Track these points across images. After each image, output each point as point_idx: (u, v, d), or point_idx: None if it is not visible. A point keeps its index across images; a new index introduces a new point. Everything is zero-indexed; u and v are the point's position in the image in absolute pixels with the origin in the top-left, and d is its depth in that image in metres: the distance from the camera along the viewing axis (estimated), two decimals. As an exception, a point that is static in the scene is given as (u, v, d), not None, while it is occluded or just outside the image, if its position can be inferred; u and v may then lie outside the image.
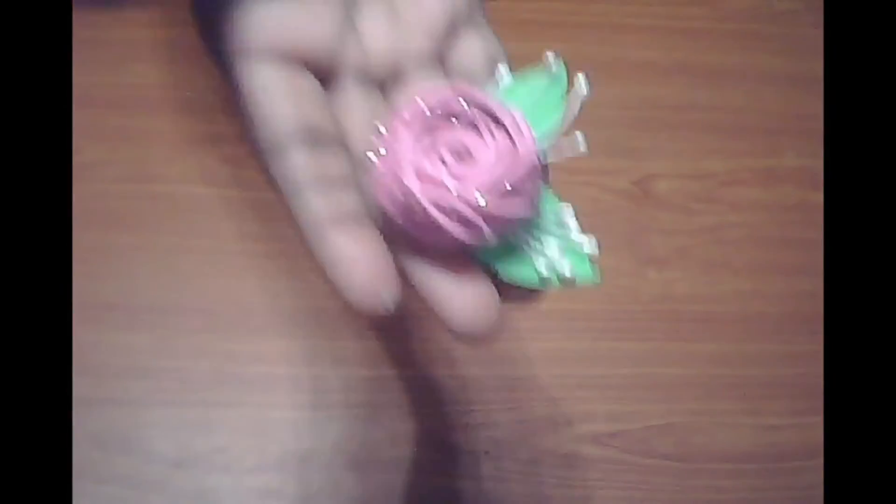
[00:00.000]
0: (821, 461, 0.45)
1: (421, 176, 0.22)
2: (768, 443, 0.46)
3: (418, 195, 0.22)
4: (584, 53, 0.54)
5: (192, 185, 0.48)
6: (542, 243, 0.24)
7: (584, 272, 0.24)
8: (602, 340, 0.47)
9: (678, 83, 0.54)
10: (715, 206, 0.51)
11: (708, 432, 0.46)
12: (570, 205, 0.25)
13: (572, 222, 0.25)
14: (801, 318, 0.49)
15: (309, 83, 0.25)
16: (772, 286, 0.50)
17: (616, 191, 0.51)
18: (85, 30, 0.48)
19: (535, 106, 0.25)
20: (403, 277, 0.24)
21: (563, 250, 0.24)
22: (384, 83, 0.27)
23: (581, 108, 0.25)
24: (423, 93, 0.24)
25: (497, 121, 0.23)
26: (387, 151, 0.23)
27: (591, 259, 0.25)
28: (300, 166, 0.24)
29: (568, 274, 0.24)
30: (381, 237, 0.24)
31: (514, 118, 0.23)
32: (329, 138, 0.25)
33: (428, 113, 0.23)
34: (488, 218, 0.22)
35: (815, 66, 0.54)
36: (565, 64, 0.26)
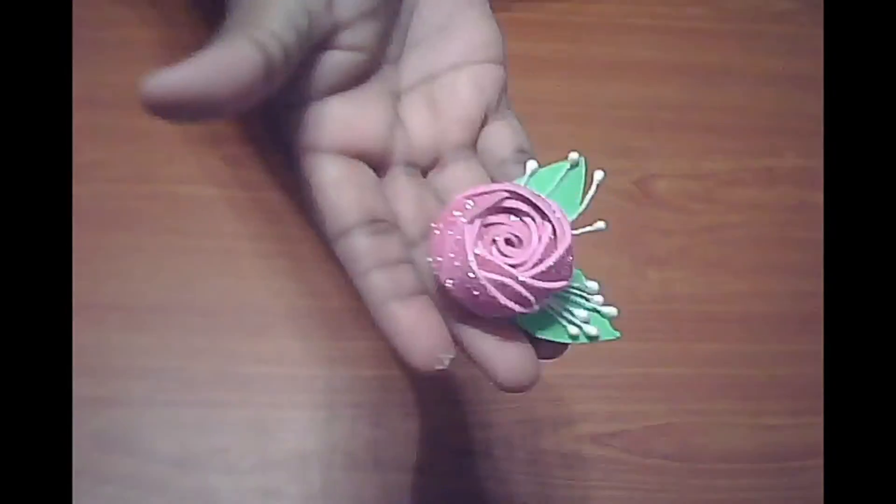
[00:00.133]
0: (821, 461, 0.45)
1: (481, 261, 0.27)
2: (768, 443, 0.46)
3: (481, 278, 0.26)
4: (585, 53, 0.54)
5: (192, 185, 0.48)
6: (572, 312, 0.29)
7: (607, 332, 0.30)
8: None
9: (678, 83, 0.54)
10: (715, 206, 0.51)
11: (708, 432, 0.46)
12: (596, 281, 0.30)
13: (597, 295, 0.30)
14: (801, 318, 0.49)
15: (367, 174, 0.29)
16: (772, 286, 0.50)
17: (616, 191, 0.51)
18: (85, 30, 0.48)
19: (559, 190, 0.30)
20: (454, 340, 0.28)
21: (589, 316, 0.30)
22: (426, 169, 0.31)
23: (597, 190, 0.30)
24: (473, 190, 0.28)
25: (537, 209, 0.28)
26: (445, 237, 0.27)
27: (612, 322, 0.30)
28: (364, 249, 0.28)
29: (595, 334, 0.29)
30: (435, 307, 0.28)
31: (553, 208, 0.28)
32: (387, 223, 0.29)
33: (479, 208, 0.27)
34: (535, 292, 0.27)
35: (815, 66, 0.54)
36: (584, 158, 0.31)
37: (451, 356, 0.27)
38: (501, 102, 0.32)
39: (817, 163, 0.52)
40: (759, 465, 0.46)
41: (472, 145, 0.31)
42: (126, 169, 0.48)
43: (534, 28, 0.54)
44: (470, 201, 0.27)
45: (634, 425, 0.46)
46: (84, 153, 0.48)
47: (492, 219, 0.28)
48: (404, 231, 0.29)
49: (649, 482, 0.45)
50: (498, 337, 0.28)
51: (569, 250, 0.28)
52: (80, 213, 0.45)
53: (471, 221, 0.27)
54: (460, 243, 0.27)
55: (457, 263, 0.27)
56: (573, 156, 0.30)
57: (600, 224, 0.30)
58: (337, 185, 0.28)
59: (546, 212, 0.28)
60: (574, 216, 0.30)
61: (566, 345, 0.29)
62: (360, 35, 0.29)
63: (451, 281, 0.27)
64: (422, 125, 0.31)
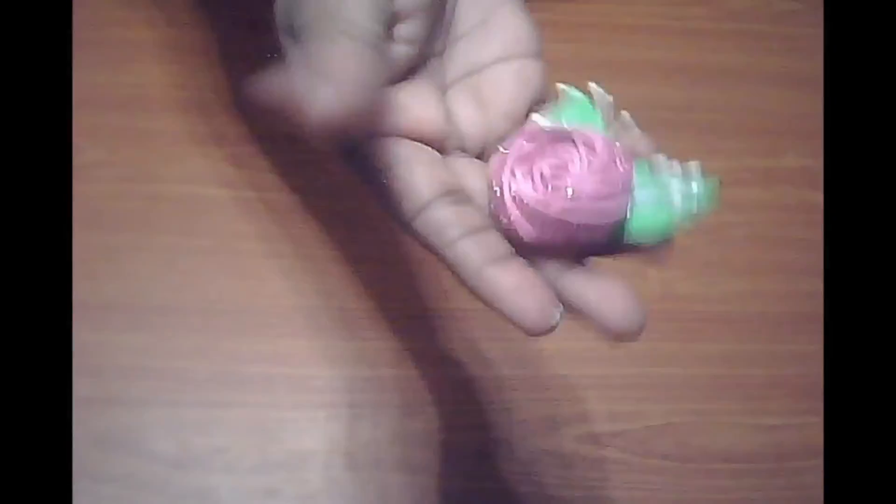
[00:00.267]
0: (821, 461, 0.45)
1: (536, 188, 0.27)
2: (768, 443, 0.46)
3: (551, 213, 0.27)
4: (585, 53, 0.54)
5: (191, 185, 0.48)
6: (667, 190, 0.29)
7: (709, 189, 0.29)
8: (602, 340, 0.47)
9: (678, 83, 0.54)
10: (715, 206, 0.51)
11: (708, 432, 0.46)
12: (658, 155, 0.29)
13: (672, 164, 0.29)
14: (801, 318, 0.49)
15: (433, 153, 0.29)
16: (772, 286, 0.50)
17: (616, 191, 0.51)
18: (85, 30, 0.48)
19: (583, 118, 0.30)
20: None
21: (681, 180, 0.29)
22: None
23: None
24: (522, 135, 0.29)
25: (569, 138, 0.28)
26: (502, 189, 0.28)
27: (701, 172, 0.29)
28: (448, 218, 0.28)
29: (695, 190, 0.28)
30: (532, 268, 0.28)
31: (580, 131, 0.28)
32: (463, 193, 0.29)
33: (526, 143, 0.28)
34: (596, 200, 0.27)
35: (815, 66, 0.54)
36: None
37: (561, 310, 0.27)
38: (545, 91, 0.32)
39: (817, 163, 0.52)
40: (759, 465, 0.46)
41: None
42: (126, 169, 0.48)
43: (534, 28, 0.54)
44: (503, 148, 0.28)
45: (634, 425, 0.46)
46: (84, 153, 0.48)
47: (536, 159, 0.28)
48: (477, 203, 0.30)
49: (649, 482, 0.45)
50: (600, 286, 0.28)
51: (611, 154, 0.28)
52: (80, 213, 0.45)
53: (511, 169, 0.28)
54: (516, 190, 0.27)
55: (521, 211, 0.27)
56: (560, 87, 0.31)
57: (625, 114, 0.30)
58: (408, 162, 0.28)
59: (575, 137, 0.28)
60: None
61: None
62: (413, 28, 0.29)
63: (527, 231, 0.27)
64: (469, 118, 0.31)
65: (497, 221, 0.29)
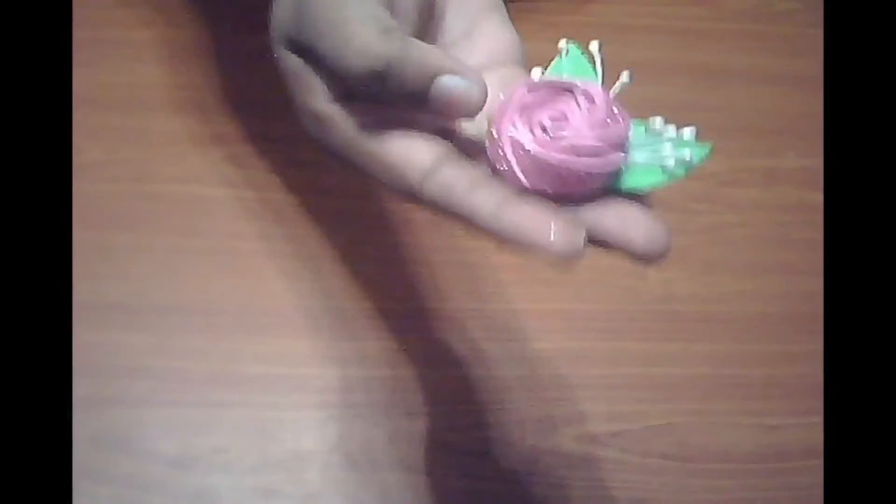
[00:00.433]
0: (821, 461, 0.45)
1: (536, 137, 0.28)
2: (768, 443, 0.46)
3: (537, 153, 0.28)
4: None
5: (192, 185, 0.48)
6: (660, 154, 0.29)
7: (697, 151, 0.29)
8: (602, 340, 0.47)
9: (678, 83, 0.54)
10: (715, 206, 0.51)
11: (708, 432, 0.46)
12: (655, 117, 0.30)
13: (669, 126, 0.30)
14: (801, 318, 0.49)
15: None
16: (772, 286, 0.50)
17: (616, 191, 0.51)
18: (85, 30, 0.48)
19: (582, 73, 0.31)
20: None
21: (675, 145, 0.30)
22: None
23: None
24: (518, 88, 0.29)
25: (564, 88, 0.29)
26: (501, 136, 0.28)
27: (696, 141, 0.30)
28: (455, 175, 0.28)
29: (687, 157, 0.29)
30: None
31: (573, 82, 0.29)
32: (464, 158, 0.30)
33: (527, 93, 0.29)
34: (591, 149, 0.28)
35: (815, 66, 0.54)
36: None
37: (584, 234, 0.27)
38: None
39: (817, 163, 0.52)
40: (759, 465, 0.46)
41: None
42: (126, 169, 0.48)
43: (534, 28, 0.54)
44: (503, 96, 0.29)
45: (634, 425, 0.46)
46: (84, 153, 0.48)
47: (536, 110, 0.29)
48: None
49: (649, 482, 0.45)
50: (618, 212, 0.28)
51: (609, 107, 0.29)
52: (80, 213, 0.45)
53: (511, 118, 0.28)
54: (516, 139, 0.28)
55: (520, 158, 0.28)
56: (561, 44, 0.31)
57: (624, 76, 0.31)
58: (405, 139, 0.29)
59: (575, 89, 0.29)
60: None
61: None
62: (406, 32, 0.30)
63: (525, 178, 0.28)
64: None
65: (494, 169, 0.29)
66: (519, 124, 0.28)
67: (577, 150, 0.28)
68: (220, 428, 0.44)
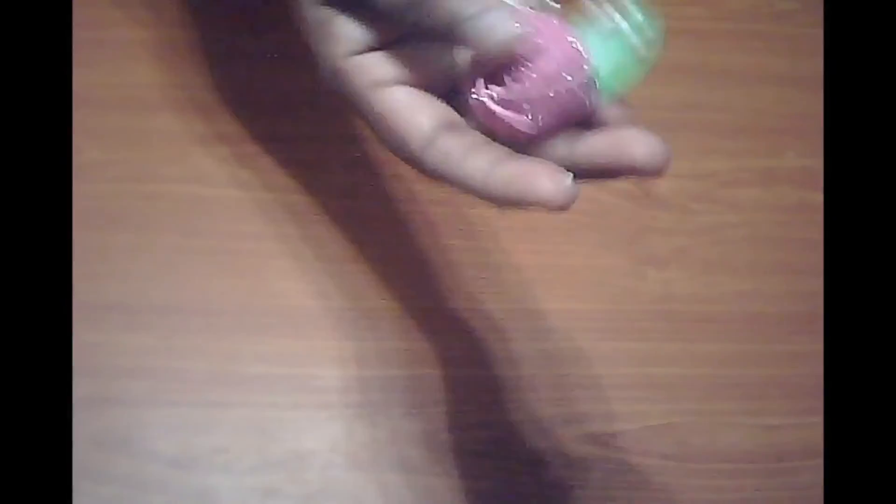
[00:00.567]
0: (821, 461, 0.45)
1: (508, 85, 0.29)
2: (768, 443, 0.46)
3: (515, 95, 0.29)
4: (584, 53, 0.54)
5: (192, 185, 0.48)
6: (616, 31, 0.31)
7: (651, 19, 0.31)
8: (602, 340, 0.47)
9: (678, 83, 0.54)
10: (715, 206, 0.51)
11: (708, 432, 0.46)
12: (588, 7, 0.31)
13: (607, 9, 0.31)
14: (801, 318, 0.49)
15: (432, 97, 0.32)
16: (772, 286, 0.50)
17: (616, 191, 0.51)
18: (85, 30, 0.48)
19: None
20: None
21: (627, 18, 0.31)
22: None
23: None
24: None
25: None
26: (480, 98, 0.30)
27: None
28: (453, 143, 0.30)
29: (644, 19, 0.31)
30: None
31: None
32: (461, 125, 0.31)
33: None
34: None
35: (815, 66, 0.54)
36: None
37: (571, 175, 0.28)
38: None
39: (817, 163, 0.52)
40: (759, 465, 0.46)
41: None
42: (126, 169, 0.48)
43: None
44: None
45: (634, 425, 0.46)
46: (84, 153, 0.48)
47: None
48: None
49: (649, 482, 0.45)
50: (612, 135, 0.29)
51: (556, 31, 0.29)
52: (80, 213, 0.45)
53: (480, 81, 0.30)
54: (493, 94, 0.29)
55: (505, 108, 0.29)
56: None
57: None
58: (410, 104, 0.30)
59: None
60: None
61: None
62: None
63: (522, 122, 0.29)
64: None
65: (490, 131, 0.30)
66: (489, 83, 0.30)
67: (548, 78, 0.29)
68: (220, 428, 0.44)
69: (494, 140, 0.31)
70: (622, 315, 0.48)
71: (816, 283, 0.49)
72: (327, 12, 0.30)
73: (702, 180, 0.52)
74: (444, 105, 0.32)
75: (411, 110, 0.31)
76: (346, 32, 0.30)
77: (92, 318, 0.44)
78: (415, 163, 0.30)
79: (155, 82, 0.50)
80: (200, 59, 0.51)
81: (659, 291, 0.49)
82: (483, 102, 0.30)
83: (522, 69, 0.29)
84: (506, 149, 0.30)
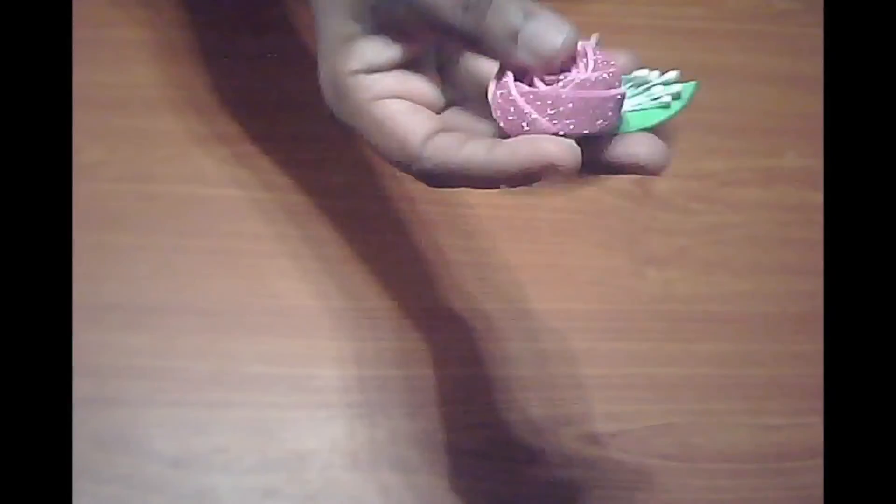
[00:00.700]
0: (821, 461, 0.45)
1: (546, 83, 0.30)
2: (768, 443, 0.46)
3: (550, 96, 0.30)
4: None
5: (192, 185, 0.48)
6: (652, 94, 0.33)
7: (687, 87, 0.33)
8: (602, 340, 0.47)
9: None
10: (715, 206, 0.51)
11: (708, 432, 0.46)
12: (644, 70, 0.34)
13: (653, 73, 0.34)
14: (801, 318, 0.49)
15: (426, 109, 0.32)
16: (772, 286, 0.50)
17: (616, 191, 0.51)
18: (85, 30, 0.48)
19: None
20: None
21: (665, 85, 0.33)
22: None
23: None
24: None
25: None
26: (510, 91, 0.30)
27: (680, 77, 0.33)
28: (451, 138, 0.30)
29: (677, 90, 0.33)
30: None
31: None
32: (460, 130, 0.32)
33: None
34: (583, 101, 0.30)
35: (815, 66, 0.54)
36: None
37: (573, 140, 0.29)
38: None
39: (817, 163, 0.52)
40: (759, 465, 0.46)
41: None
42: (126, 169, 0.48)
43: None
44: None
45: (634, 425, 0.46)
46: (84, 153, 0.48)
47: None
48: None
49: (649, 482, 0.45)
50: (620, 138, 0.31)
51: (600, 56, 0.31)
52: (80, 213, 0.45)
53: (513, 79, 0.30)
54: (529, 91, 0.30)
55: (535, 107, 0.30)
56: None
57: (593, 38, 0.32)
58: (405, 111, 0.31)
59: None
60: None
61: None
62: None
63: (547, 126, 0.30)
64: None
65: (508, 131, 0.31)
66: (524, 83, 0.30)
67: (582, 85, 0.29)
68: (220, 428, 0.44)
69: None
70: (622, 315, 0.48)
71: (816, 283, 0.49)
72: (354, 29, 0.31)
73: (702, 180, 0.52)
74: (439, 116, 0.32)
75: (410, 114, 0.31)
76: (367, 53, 0.31)
77: (92, 318, 0.44)
78: (414, 162, 0.31)
79: (155, 82, 0.50)
80: (200, 60, 0.51)
81: (659, 291, 0.49)
82: (508, 95, 0.30)
83: (556, 74, 0.30)
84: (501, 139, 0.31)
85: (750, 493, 0.45)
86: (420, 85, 0.32)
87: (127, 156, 0.48)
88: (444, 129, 0.31)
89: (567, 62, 0.30)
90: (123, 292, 0.46)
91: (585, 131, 0.30)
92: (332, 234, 0.48)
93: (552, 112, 0.29)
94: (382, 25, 0.30)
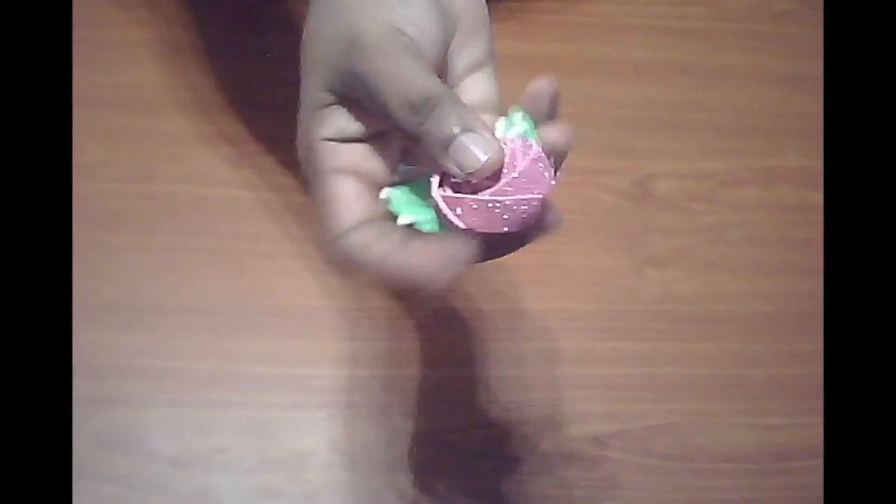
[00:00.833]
0: (821, 461, 0.45)
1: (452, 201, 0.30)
2: (768, 443, 0.46)
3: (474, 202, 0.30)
4: (584, 53, 0.54)
5: (192, 185, 0.48)
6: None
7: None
8: (602, 340, 0.47)
9: (678, 83, 0.54)
10: (715, 206, 0.51)
11: (708, 432, 0.46)
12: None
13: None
14: (801, 318, 0.49)
15: (360, 187, 0.33)
16: (772, 286, 0.50)
17: (616, 191, 0.51)
18: (85, 30, 0.48)
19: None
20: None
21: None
22: None
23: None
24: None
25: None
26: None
27: None
28: (362, 238, 0.31)
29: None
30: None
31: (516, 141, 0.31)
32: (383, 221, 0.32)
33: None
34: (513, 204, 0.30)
35: (815, 66, 0.54)
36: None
37: (457, 267, 0.30)
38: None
39: (817, 163, 0.52)
40: (759, 465, 0.46)
41: None
42: (126, 169, 0.48)
43: (533, 28, 0.54)
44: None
45: (634, 425, 0.46)
46: (84, 153, 0.48)
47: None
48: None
49: (649, 482, 0.45)
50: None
51: (535, 161, 0.30)
52: (80, 213, 0.45)
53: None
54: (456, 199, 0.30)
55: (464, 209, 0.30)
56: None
57: (517, 116, 0.32)
58: (347, 196, 0.32)
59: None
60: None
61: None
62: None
63: (472, 222, 0.30)
64: None
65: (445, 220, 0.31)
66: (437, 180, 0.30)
67: (499, 192, 0.30)
68: (220, 428, 0.44)
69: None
70: (622, 315, 0.48)
71: (816, 283, 0.49)
72: (327, 98, 0.31)
73: (702, 180, 0.52)
74: (372, 197, 0.33)
75: (349, 201, 0.32)
76: (335, 122, 0.31)
77: (92, 318, 0.44)
78: (331, 248, 0.32)
79: (155, 82, 0.50)
80: (201, 59, 0.51)
81: (659, 291, 0.49)
82: (441, 197, 0.30)
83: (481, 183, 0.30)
84: (417, 236, 0.31)
85: (750, 493, 0.45)
86: (376, 166, 0.32)
87: (127, 156, 0.48)
88: (375, 220, 0.32)
89: (495, 174, 0.30)
90: (123, 292, 0.46)
91: (496, 232, 0.30)
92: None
93: (462, 214, 0.30)
94: (351, 100, 0.31)
